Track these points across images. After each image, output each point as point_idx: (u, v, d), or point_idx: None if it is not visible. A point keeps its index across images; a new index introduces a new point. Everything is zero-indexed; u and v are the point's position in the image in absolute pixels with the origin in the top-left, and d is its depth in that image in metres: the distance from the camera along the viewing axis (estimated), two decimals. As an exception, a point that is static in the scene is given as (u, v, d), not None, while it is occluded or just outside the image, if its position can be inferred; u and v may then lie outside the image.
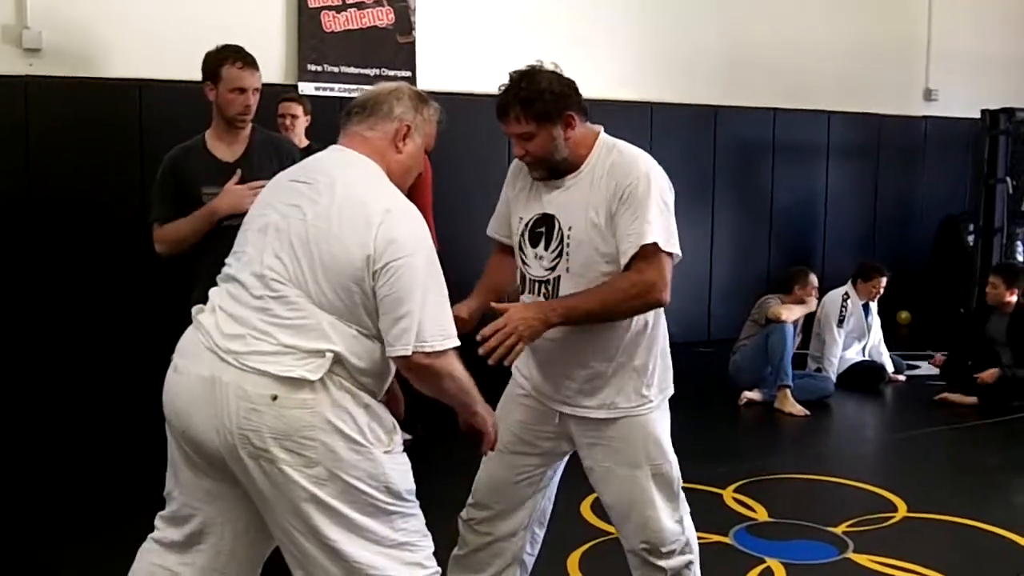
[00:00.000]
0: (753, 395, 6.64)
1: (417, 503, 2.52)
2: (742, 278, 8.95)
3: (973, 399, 6.66)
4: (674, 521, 3.01)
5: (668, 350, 3.03)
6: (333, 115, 5.57)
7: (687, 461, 5.12)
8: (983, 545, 4.27)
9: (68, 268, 6.45)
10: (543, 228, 2.90)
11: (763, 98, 8.98)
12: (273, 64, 7.01)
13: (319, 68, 7.08)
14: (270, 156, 3.87)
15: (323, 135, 5.87)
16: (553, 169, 2.88)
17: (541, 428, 3.04)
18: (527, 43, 7.83)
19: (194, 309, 2.53)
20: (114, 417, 5.95)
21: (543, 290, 2.89)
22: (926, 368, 7.75)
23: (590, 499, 4.50)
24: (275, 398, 2.31)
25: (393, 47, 7.29)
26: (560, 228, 2.86)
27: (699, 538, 4.11)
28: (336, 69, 7.10)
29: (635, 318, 2.86)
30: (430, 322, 2.36)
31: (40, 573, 3.94)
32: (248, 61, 3.85)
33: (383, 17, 7.26)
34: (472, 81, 7.43)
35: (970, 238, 9.70)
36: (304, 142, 5.76)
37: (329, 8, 7.10)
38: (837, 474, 5.18)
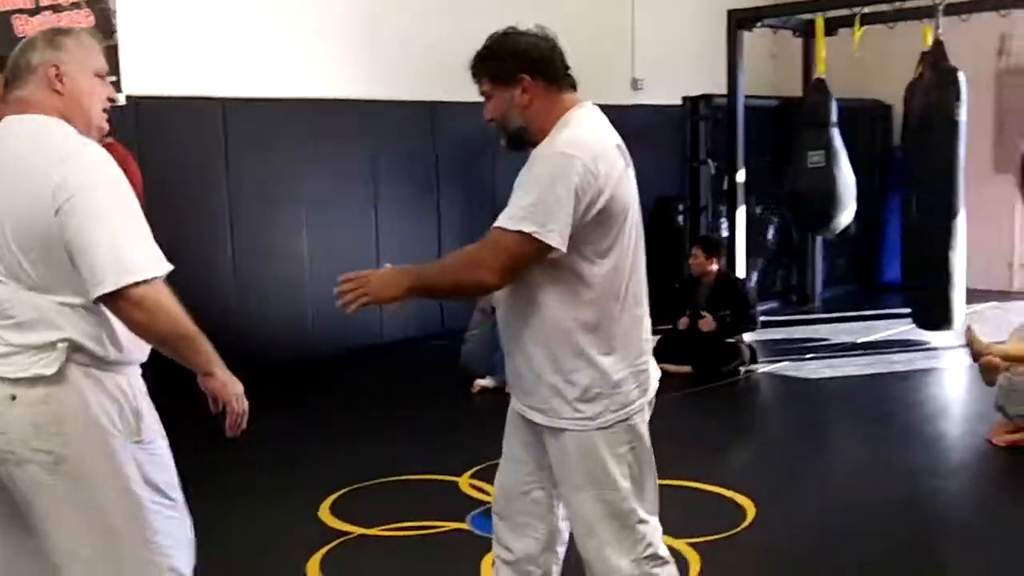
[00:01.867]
0: (485, 382, 6.80)
1: (178, 502, 2.45)
2: (472, 270, 9.08)
3: (687, 368, 7.09)
4: (629, 560, 2.67)
5: (632, 369, 2.66)
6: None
7: (424, 455, 5.25)
8: (705, 504, 4.57)
9: None
10: None
11: (472, 92, 9.12)
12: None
13: (13, 76, 6.67)
14: None
15: None
16: (512, 138, 2.71)
17: (521, 432, 2.82)
18: (242, 42, 7.72)
19: None
20: None
21: None
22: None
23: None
24: (13, 398, 2.27)
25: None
26: None
27: (438, 526, 4.26)
28: None
29: (566, 315, 2.58)
30: (128, 250, 2.25)
31: None
32: None
33: (82, 20, 6.88)
34: (182, 83, 7.24)
35: (680, 217, 10.30)
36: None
37: (21, 11, 6.68)
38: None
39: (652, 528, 2.74)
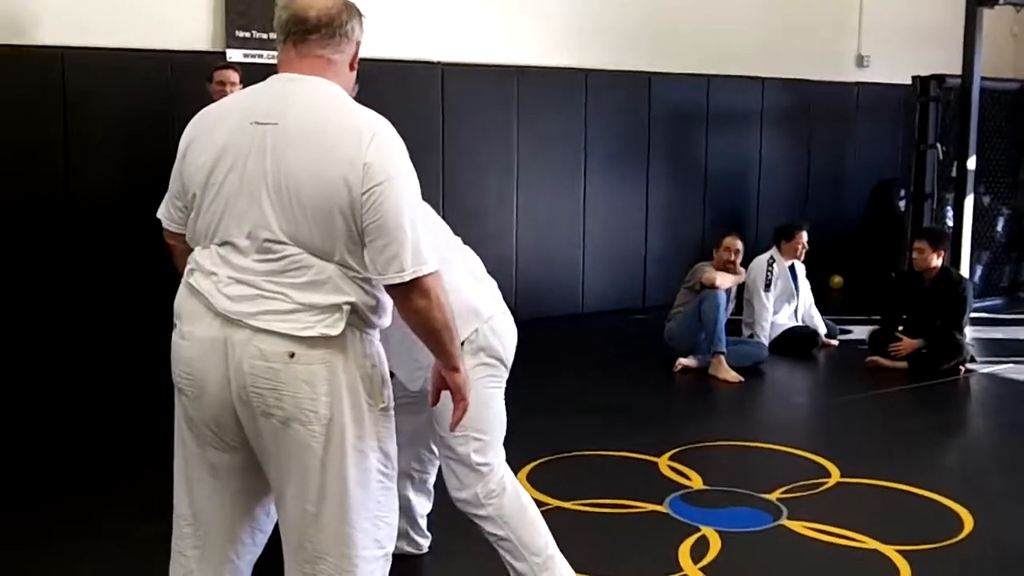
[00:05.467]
0: (688, 361, 6.67)
1: (395, 474, 2.50)
2: (676, 245, 8.95)
3: (903, 364, 6.75)
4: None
5: None
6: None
7: (622, 429, 5.18)
8: (914, 508, 4.33)
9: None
10: None
11: (696, 64, 8.95)
12: (200, 31, 6.85)
13: (247, 34, 6.92)
14: None
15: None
16: None
17: None
18: (459, 8, 7.79)
19: (185, 272, 2.45)
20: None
21: None
22: (859, 332, 7.84)
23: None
24: (292, 355, 2.29)
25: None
26: None
27: (635, 507, 4.20)
28: (264, 36, 6.93)
29: None
30: (423, 242, 2.30)
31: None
32: None
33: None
34: (400, 47, 7.37)
35: (901, 203, 9.80)
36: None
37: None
38: (771, 440, 5.22)
39: None
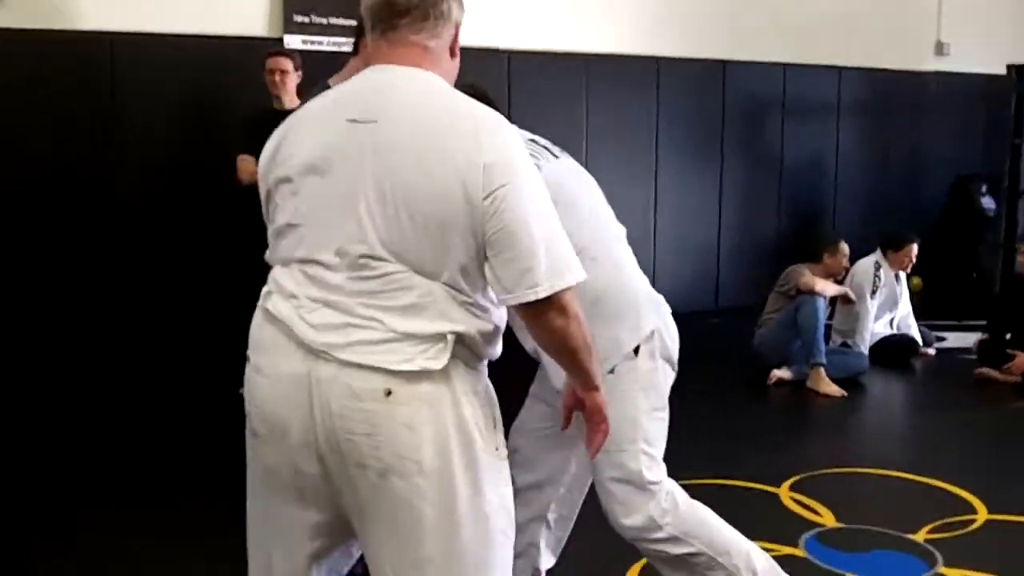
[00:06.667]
0: (783, 373, 6.17)
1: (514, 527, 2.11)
2: (751, 240, 8.50)
3: (1017, 377, 6.24)
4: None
5: None
6: (321, 71, 5.02)
7: (725, 452, 4.67)
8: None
9: (31, 235, 5.88)
10: None
11: (772, 53, 8.45)
12: (255, 15, 6.42)
13: (306, 19, 6.46)
14: None
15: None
16: None
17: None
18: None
19: (262, 294, 2.09)
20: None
21: None
22: (953, 340, 7.34)
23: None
24: (389, 393, 1.91)
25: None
26: None
27: (767, 548, 3.69)
28: (324, 21, 6.48)
29: None
30: (561, 249, 1.95)
31: None
32: None
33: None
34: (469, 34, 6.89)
35: (984, 199, 9.30)
36: (296, 101, 5.19)
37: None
38: (894, 466, 4.71)
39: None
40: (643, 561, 3.34)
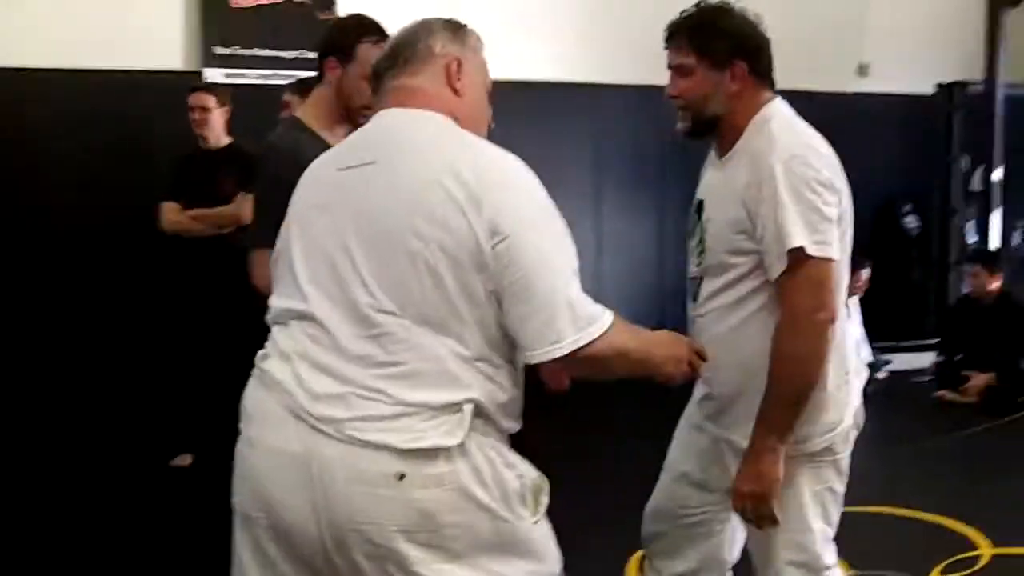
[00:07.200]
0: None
1: None
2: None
3: (973, 398, 6.15)
4: None
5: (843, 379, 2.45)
6: (247, 106, 4.64)
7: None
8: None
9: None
10: (696, 216, 2.44)
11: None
12: (171, 48, 6.02)
13: (228, 51, 6.08)
14: None
15: (244, 128, 5.00)
16: (699, 124, 2.38)
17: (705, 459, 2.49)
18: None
19: (258, 356, 1.90)
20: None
21: (693, 290, 2.46)
22: (898, 362, 7.25)
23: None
24: (401, 477, 1.72)
25: (312, 25, 6.27)
26: (702, 218, 2.40)
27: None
28: (247, 52, 6.11)
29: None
30: (579, 298, 1.80)
31: None
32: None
33: (296, -7, 6.29)
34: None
35: (907, 219, 9.28)
36: (224, 140, 4.78)
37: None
38: (880, 501, 4.48)
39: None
40: (640, 552, 3.06)
